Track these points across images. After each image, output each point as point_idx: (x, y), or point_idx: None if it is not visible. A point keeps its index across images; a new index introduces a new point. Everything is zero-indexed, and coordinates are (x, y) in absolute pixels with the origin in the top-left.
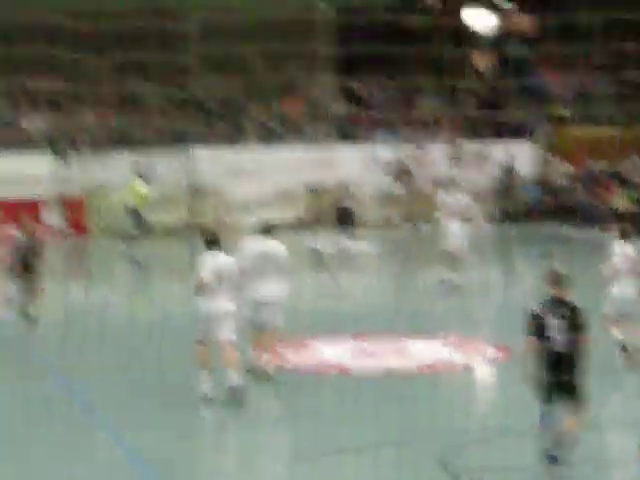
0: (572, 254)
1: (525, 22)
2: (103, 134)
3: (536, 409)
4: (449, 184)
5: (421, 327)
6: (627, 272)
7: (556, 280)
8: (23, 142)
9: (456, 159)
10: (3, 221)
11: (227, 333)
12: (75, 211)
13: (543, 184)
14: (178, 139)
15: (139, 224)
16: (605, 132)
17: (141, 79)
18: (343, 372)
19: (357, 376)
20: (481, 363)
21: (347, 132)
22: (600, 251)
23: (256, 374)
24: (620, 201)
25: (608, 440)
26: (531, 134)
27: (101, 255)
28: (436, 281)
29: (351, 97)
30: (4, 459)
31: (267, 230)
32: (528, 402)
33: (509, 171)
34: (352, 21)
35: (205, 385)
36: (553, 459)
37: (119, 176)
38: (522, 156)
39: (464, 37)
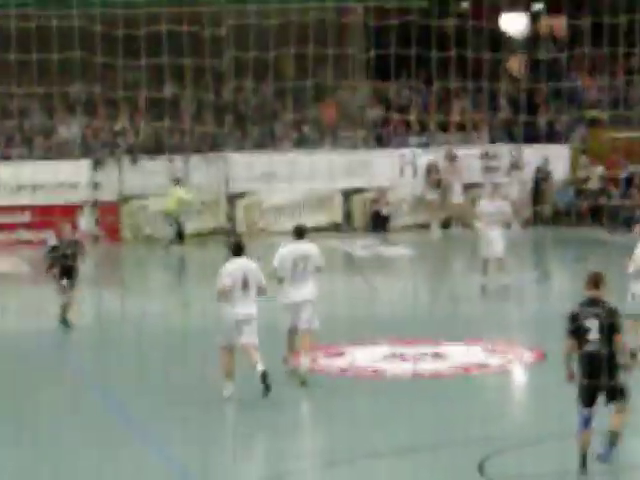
0: (607, 257)
1: (558, 25)
2: (138, 139)
3: (573, 413)
4: (491, 192)
5: (456, 331)
6: None
7: (594, 281)
8: (59, 148)
9: (491, 163)
10: (39, 226)
11: (251, 337)
12: (110, 217)
13: (577, 187)
14: (213, 144)
15: (178, 231)
16: None
17: (176, 84)
18: (377, 376)
19: (392, 380)
20: (517, 367)
21: (381, 136)
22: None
23: (292, 377)
24: None
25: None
26: (566, 137)
27: (135, 261)
28: (479, 287)
29: (385, 101)
30: (37, 462)
31: (301, 233)
32: (565, 406)
33: (543, 174)
34: (386, 24)
35: (226, 392)
36: (602, 458)
37: (154, 182)
38: (557, 159)
39: (499, 41)
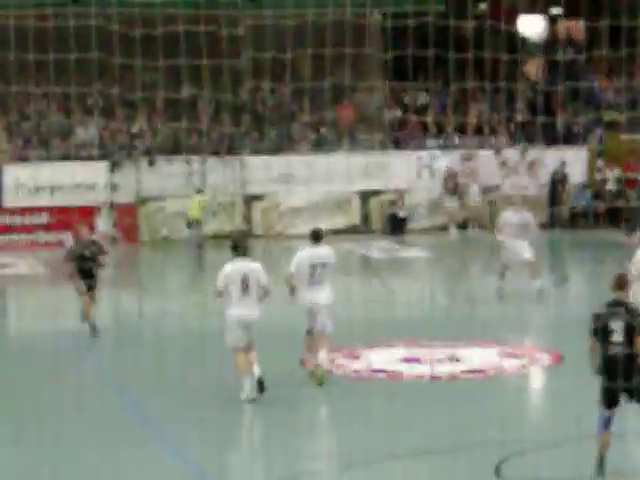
0: (624, 260)
1: (576, 28)
2: (156, 141)
3: (590, 416)
4: (514, 202)
5: (473, 333)
6: None
7: (620, 283)
8: (76, 149)
9: (508, 165)
10: (57, 228)
11: (249, 339)
12: (127, 218)
13: (595, 189)
14: (230, 146)
15: (199, 235)
16: None
17: (193, 85)
18: (394, 378)
19: (408, 382)
20: (534, 369)
21: (399, 139)
22: None
23: (310, 378)
24: None
25: None
26: (583, 140)
27: (153, 263)
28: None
29: (402, 103)
30: (54, 462)
31: (318, 237)
32: (582, 409)
33: (560, 177)
34: (404, 26)
35: (243, 393)
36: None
37: (172, 183)
38: (574, 162)
39: (516, 43)
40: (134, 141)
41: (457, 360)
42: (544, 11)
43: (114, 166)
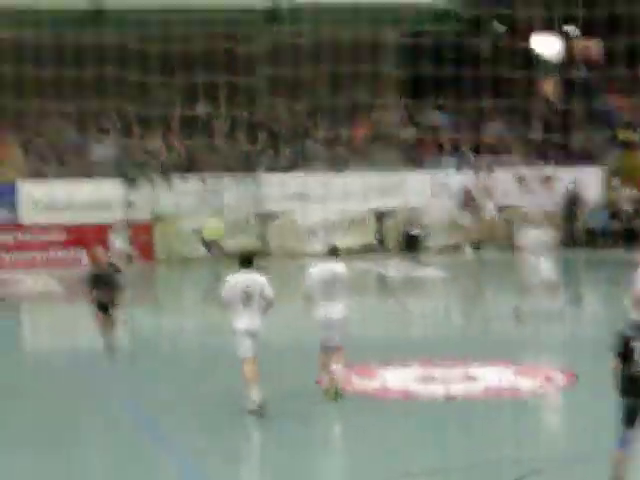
0: None
1: (592, 47)
2: (171, 158)
3: (605, 436)
4: (533, 219)
5: (488, 352)
6: None
7: None
8: (92, 167)
9: (524, 184)
10: (73, 245)
11: (251, 350)
12: (143, 236)
13: (610, 209)
14: (246, 164)
15: (218, 253)
16: None
17: (210, 103)
18: (408, 397)
19: (423, 401)
20: (549, 389)
21: (414, 157)
22: None
23: (325, 395)
24: None
25: None
26: (599, 159)
27: (168, 280)
28: (512, 308)
29: (418, 122)
30: (67, 476)
31: (333, 253)
32: (597, 428)
33: (574, 196)
34: (420, 45)
35: (250, 404)
36: None
37: (187, 201)
38: (589, 181)
39: (531, 62)
40: (150, 159)
41: (472, 379)
42: (560, 30)
43: (130, 184)
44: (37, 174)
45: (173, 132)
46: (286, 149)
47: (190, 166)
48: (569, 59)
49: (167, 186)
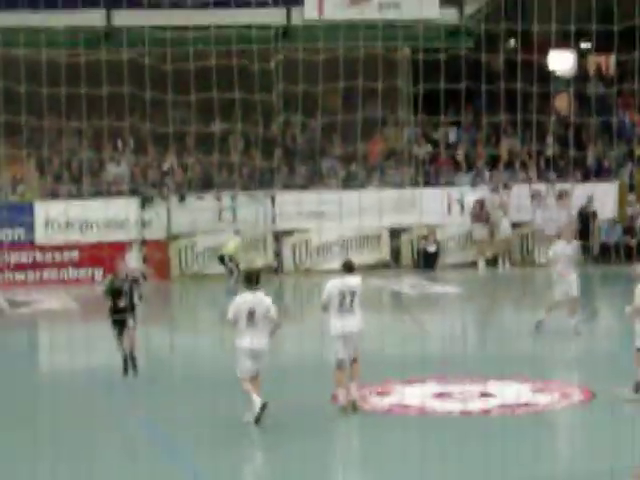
0: None
1: (607, 63)
2: (187, 176)
3: (623, 453)
4: (566, 234)
5: (504, 369)
6: None
7: None
8: (107, 185)
9: (539, 199)
10: (88, 264)
11: (254, 369)
12: (158, 254)
13: (625, 224)
14: (261, 181)
15: (235, 273)
16: None
17: (225, 120)
18: (424, 413)
19: (440, 418)
20: (566, 406)
21: (429, 173)
22: None
23: (342, 412)
24: None
25: None
26: (614, 174)
27: (183, 299)
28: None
29: (433, 140)
30: None
31: (350, 267)
32: (614, 445)
33: (588, 211)
34: (434, 60)
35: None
36: None
37: (203, 219)
38: (605, 196)
39: (547, 77)
40: (165, 178)
41: (489, 396)
42: (574, 46)
43: (145, 202)
44: (52, 193)
45: (188, 150)
46: (301, 167)
47: (205, 184)
48: (583, 74)
49: (182, 204)
